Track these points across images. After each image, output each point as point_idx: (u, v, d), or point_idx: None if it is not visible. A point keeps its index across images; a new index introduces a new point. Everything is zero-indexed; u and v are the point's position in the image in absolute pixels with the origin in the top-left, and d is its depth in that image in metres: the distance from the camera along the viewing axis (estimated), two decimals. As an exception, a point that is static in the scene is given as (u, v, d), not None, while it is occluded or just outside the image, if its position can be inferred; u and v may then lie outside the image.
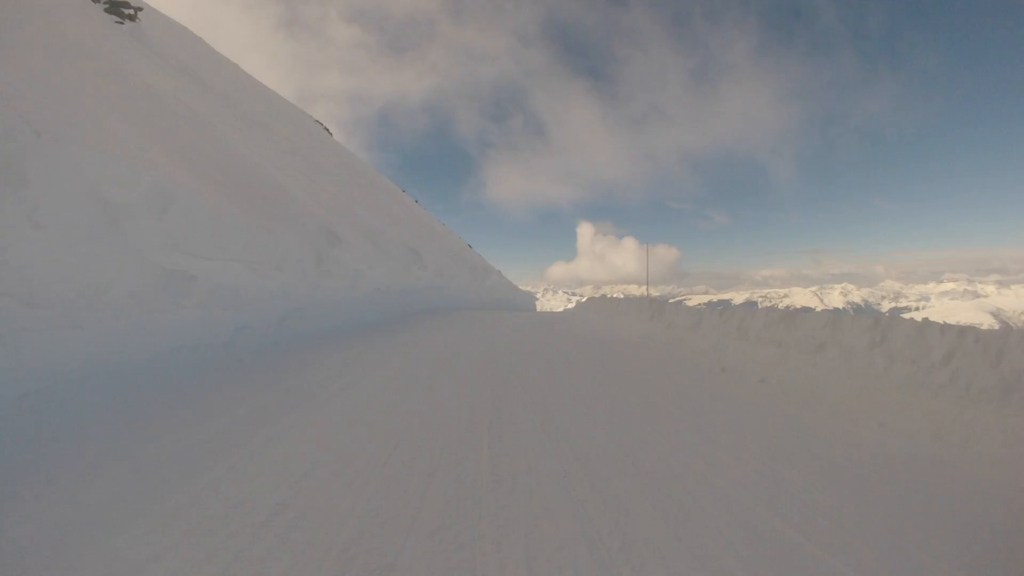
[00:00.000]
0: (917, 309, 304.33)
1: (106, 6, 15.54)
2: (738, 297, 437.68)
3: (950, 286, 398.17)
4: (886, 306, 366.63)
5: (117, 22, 15.45)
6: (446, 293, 21.89)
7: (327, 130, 30.34)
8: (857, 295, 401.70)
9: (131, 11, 16.26)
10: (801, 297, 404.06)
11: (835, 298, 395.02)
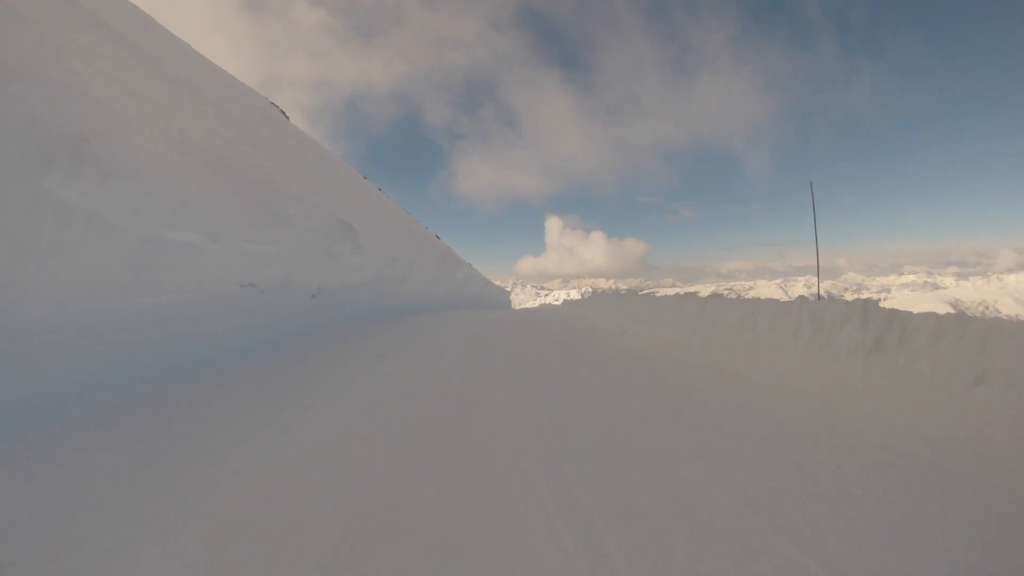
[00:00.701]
0: (879, 300, 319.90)
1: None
2: (704, 290, 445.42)
3: (911, 278, 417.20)
4: (849, 297, 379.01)
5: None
6: (403, 290, 18.02)
7: (284, 113, 25.78)
8: (821, 287, 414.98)
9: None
10: (766, 290, 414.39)
11: (799, 290, 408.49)
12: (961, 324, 4.60)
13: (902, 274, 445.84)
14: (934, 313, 5.28)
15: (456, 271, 27.74)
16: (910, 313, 5.34)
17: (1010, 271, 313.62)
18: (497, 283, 41.06)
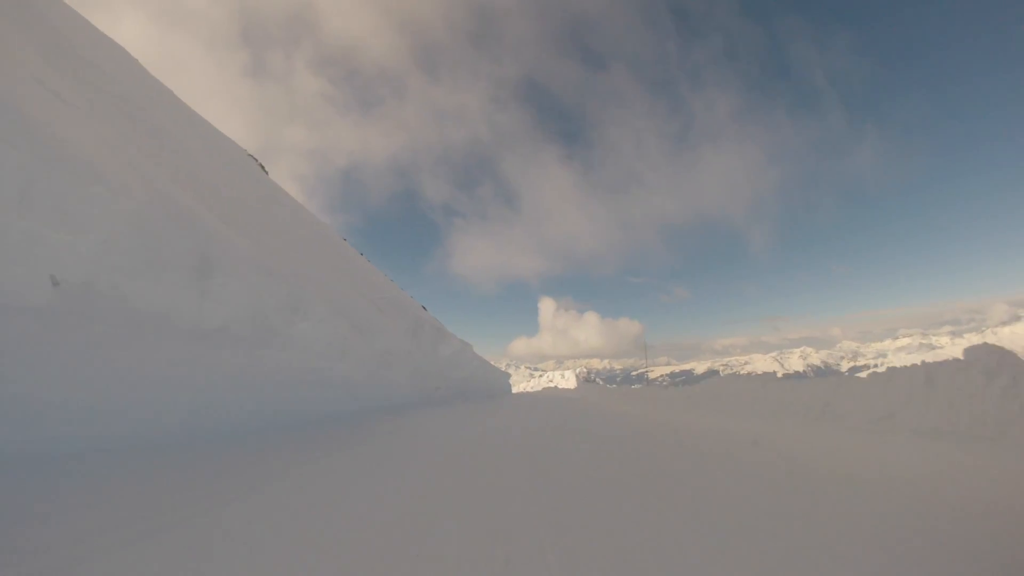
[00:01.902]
0: (876, 366, 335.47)
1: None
2: (699, 367, 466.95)
3: (905, 341, 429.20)
4: (845, 366, 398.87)
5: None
6: (327, 378, 10.66)
7: (262, 167, 20.87)
8: (816, 357, 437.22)
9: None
10: (762, 363, 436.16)
11: (795, 362, 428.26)
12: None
13: (897, 338, 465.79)
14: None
15: (439, 344, 19.95)
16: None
17: (1004, 324, 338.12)
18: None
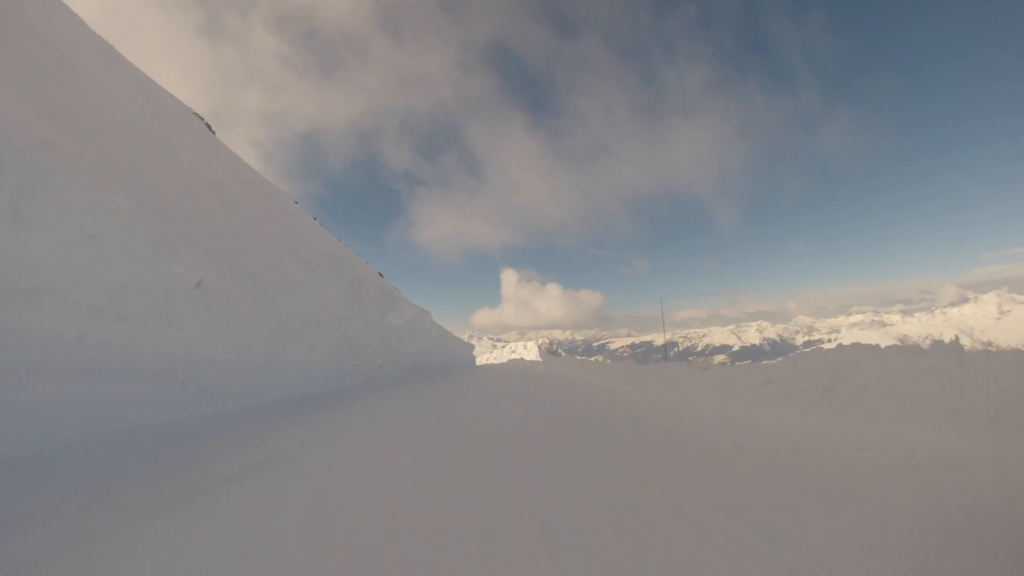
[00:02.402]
0: (829, 341, 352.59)
1: None
2: (659, 338, 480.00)
3: (859, 318, 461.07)
4: (800, 340, 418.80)
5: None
6: (159, 360, 6.47)
7: (208, 126, 19.23)
8: (772, 331, 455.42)
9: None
10: (720, 336, 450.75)
11: (752, 335, 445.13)
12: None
13: (850, 314, 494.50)
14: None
15: (389, 312, 17.58)
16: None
17: (952, 305, 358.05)
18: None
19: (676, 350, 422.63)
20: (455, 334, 31.59)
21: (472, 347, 35.07)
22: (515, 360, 41.87)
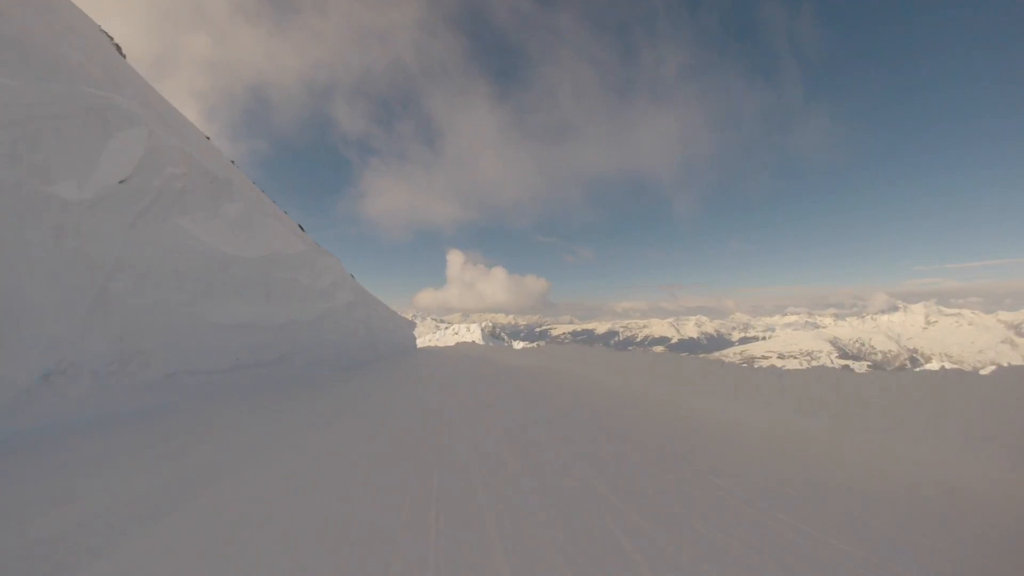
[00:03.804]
0: (764, 338, 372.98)
1: None
2: (600, 327, 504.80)
3: (793, 318, 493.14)
4: (736, 336, 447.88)
5: None
6: None
7: (118, 48, 15.56)
8: (710, 326, 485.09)
9: None
10: (659, 328, 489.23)
11: (690, 329, 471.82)
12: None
13: (785, 315, 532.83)
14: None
15: (277, 269, 12.18)
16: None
17: (882, 312, 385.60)
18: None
19: (616, 339, 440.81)
20: (404, 318, 30.11)
21: (414, 324, 32.69)
22: (464, 344, 40.19)
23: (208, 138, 16.48)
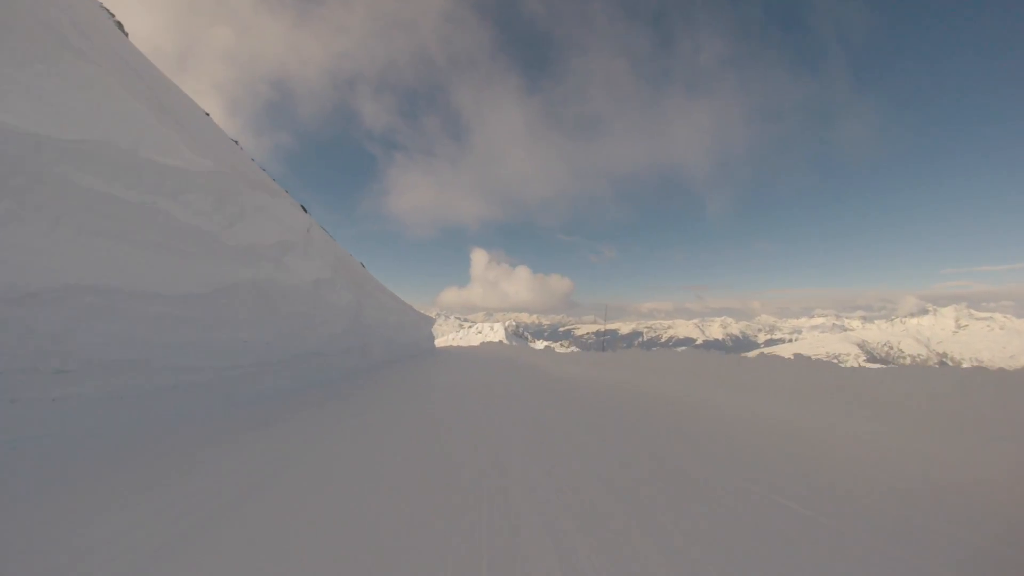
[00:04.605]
0: (791, 341, 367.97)
1: None
2: (624, 327, 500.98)
3: (820, 320, 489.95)
4: (762, 338, 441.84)
5: None
6: None
7: (120, 25, 13.05)
8: (736, 328, 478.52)
9: None
10: (684, 329, 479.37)
11: (715, 330, 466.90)
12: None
13: (812, 317, 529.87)
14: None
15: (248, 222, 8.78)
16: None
17: (911, 315, 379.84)
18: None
19: (640, 340, 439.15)
20: (423, 312, 27.15)
21: (432, 321, 28.73)
22: (490, 344, 36.98)
23: (208, 114, 13.05)
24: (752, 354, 8.82)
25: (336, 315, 13.12)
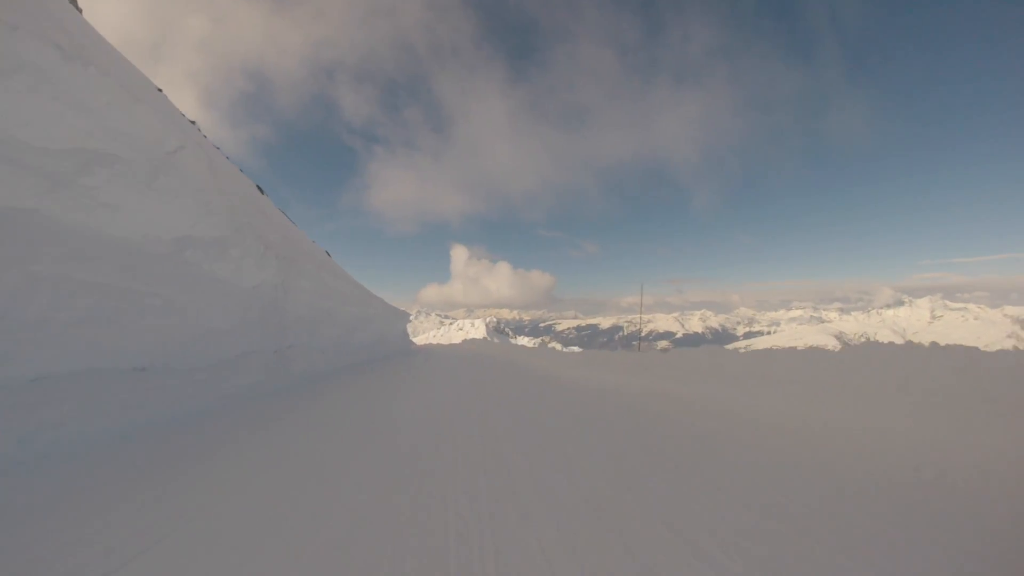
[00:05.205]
0: (769, 333, 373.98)
1: None
2: (605, 322, 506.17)
3: (798, 312, 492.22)
4: (741, 330, 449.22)
5: None
6: None
7: (75, 3, 9.90)
8: (715, 321, 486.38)
9: None
10: (664, 322, 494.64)
11: (695, 323, 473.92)
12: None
13: (790, 309, 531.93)
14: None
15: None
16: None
17: (888, 307, 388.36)
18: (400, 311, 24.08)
19: (621, 334, 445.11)
20: (403, 309, 24.74)
21: (407, 316, 25.79)
22: (473, 341, 36.07)
23: (160, 90, 11.47)
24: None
25: (224, 299, 8.54)
